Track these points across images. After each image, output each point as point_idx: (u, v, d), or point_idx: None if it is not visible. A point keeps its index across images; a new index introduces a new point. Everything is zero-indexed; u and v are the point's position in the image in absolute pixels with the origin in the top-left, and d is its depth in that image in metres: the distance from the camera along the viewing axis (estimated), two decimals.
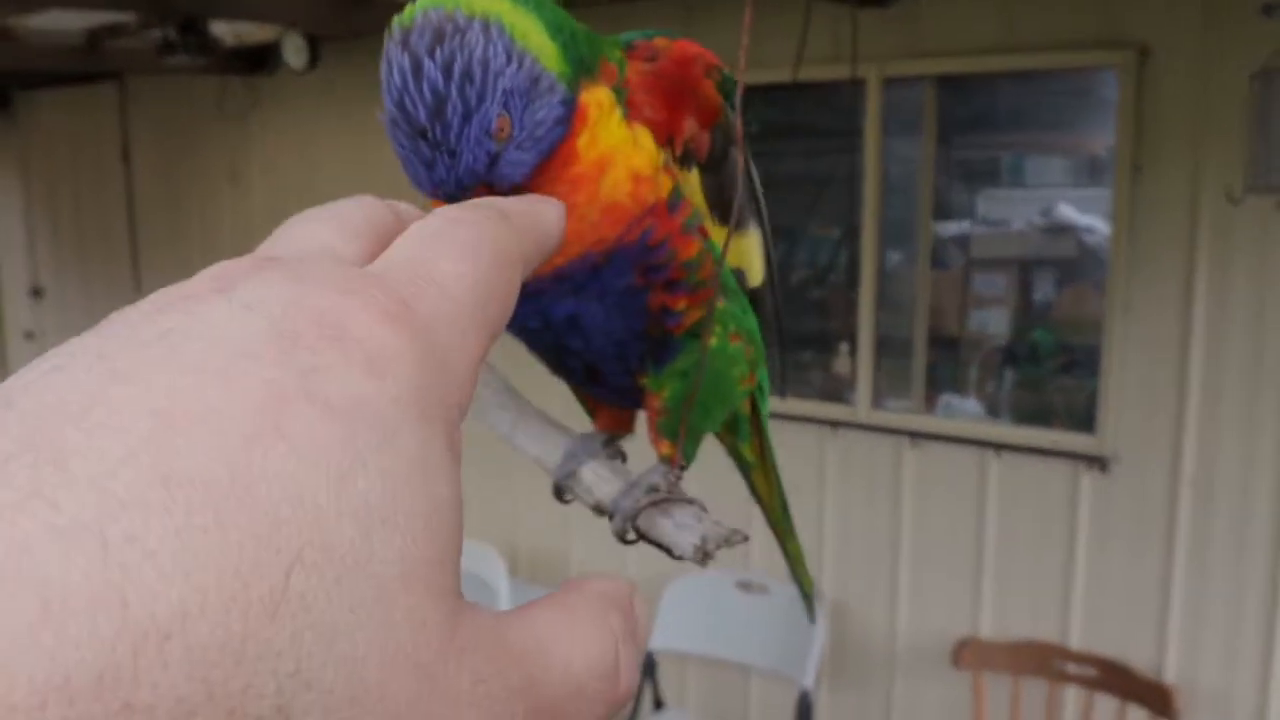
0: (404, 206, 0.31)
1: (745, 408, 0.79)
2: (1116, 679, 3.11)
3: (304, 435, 0.20)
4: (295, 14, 3.77)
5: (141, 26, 4.34)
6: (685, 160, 0.67)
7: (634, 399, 0.73)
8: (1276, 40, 2.07)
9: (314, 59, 4.50)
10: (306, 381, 0.21)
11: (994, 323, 3.82)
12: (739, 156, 0.70)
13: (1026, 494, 3.33)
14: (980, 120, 3.86)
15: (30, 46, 4.55)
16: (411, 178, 0.57)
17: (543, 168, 0.59)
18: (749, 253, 0.74)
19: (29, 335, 6.77)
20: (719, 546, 0.64)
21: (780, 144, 4.10)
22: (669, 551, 0.66)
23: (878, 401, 3.63)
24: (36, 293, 6.69)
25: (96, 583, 0.17)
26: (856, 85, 3.42)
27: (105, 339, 0.22)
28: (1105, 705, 3.15)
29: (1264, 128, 1.96)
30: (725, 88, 0.68)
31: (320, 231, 0.29)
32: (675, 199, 0.64)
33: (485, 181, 0.57)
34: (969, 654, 3.35)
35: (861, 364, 3.62)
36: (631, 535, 0.67)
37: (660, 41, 0.66)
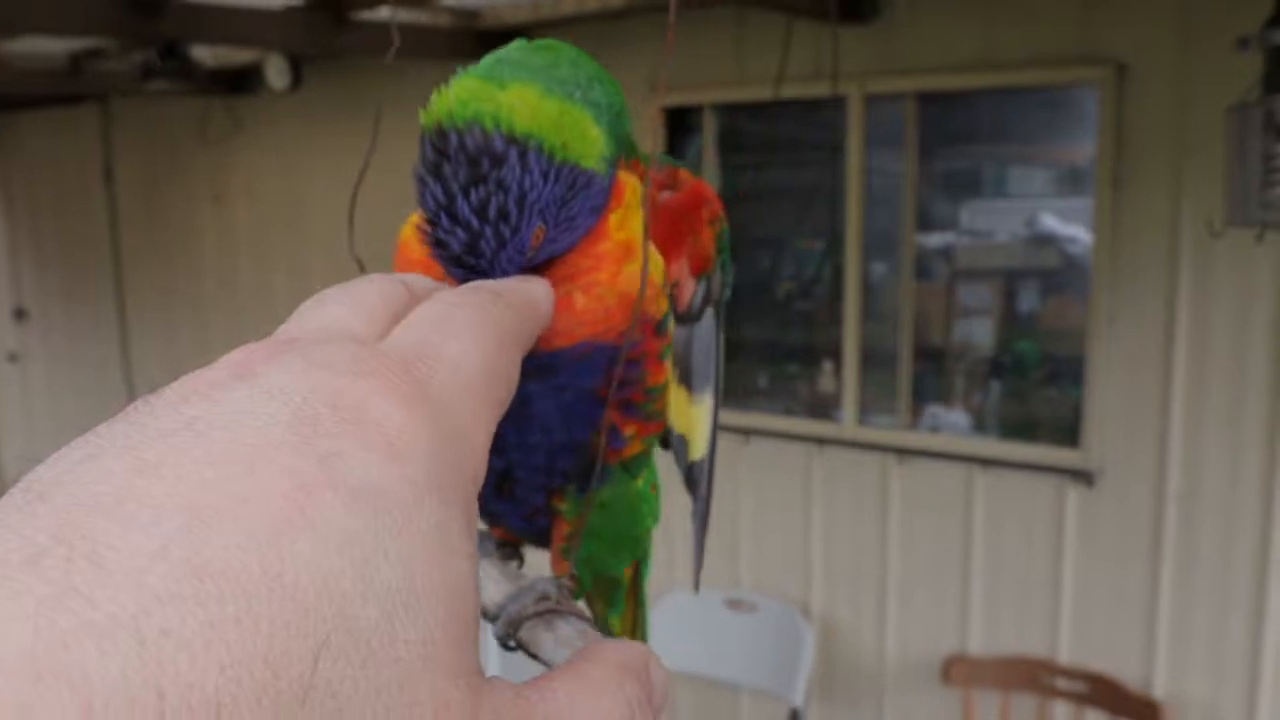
0: (414, 278, 0.31)
1: (626, 575, 0.75)
2: (1105, 693, 3.12)
3: (328, 523, 0.21)
4: (277, 36, 3.77)
5: (123, 50, 4.33)
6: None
7: (536, 525, 0.68)
8: (1253, 73, 2.08)
9: (296, 80, 4.49)
10: (328, 468, 0.22)
11: (979, 333, 3.83)
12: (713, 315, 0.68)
13: (1013, 509, 3.34)
14: (962, 132, 3.88)
15: (12, 69, 4.54)
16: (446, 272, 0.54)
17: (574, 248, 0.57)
18: (697, 422, 0.69)
19: (13, 357, 6.74)
20: None
21: (764, 157, 4.12)
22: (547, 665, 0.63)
23: (864, 418, 3.63)
24: (20, 314, 6.67)
25: (134, 678, 0.18)
26: (838, 102, 3.44)
27: (132, 426, 0.22)
28: None
29: (1241, 161, 1.96)
30: (721, 241, 0.66)
31: (338, 312, 0.29)
32: (665, 323, 0.63)
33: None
34: (958, 670, 3.35)
35: (847, 379, 3.63)
36: (513, 643, 0.65)
37: (684, 173, 0.65)
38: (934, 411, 3.68)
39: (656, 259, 0.61)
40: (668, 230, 0.63)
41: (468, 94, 0.52)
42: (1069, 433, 3.29)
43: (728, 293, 0.68)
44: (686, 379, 0.67)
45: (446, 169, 0.51)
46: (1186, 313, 2.99)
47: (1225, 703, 3.04)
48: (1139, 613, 3.14)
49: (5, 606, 0.18)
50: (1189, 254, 2.96)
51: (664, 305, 0.62)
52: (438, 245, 0.52)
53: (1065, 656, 3.26)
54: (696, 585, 0.78)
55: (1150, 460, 3.09)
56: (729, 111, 3.83)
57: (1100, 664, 3.18)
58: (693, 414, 0.68)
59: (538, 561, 0.71)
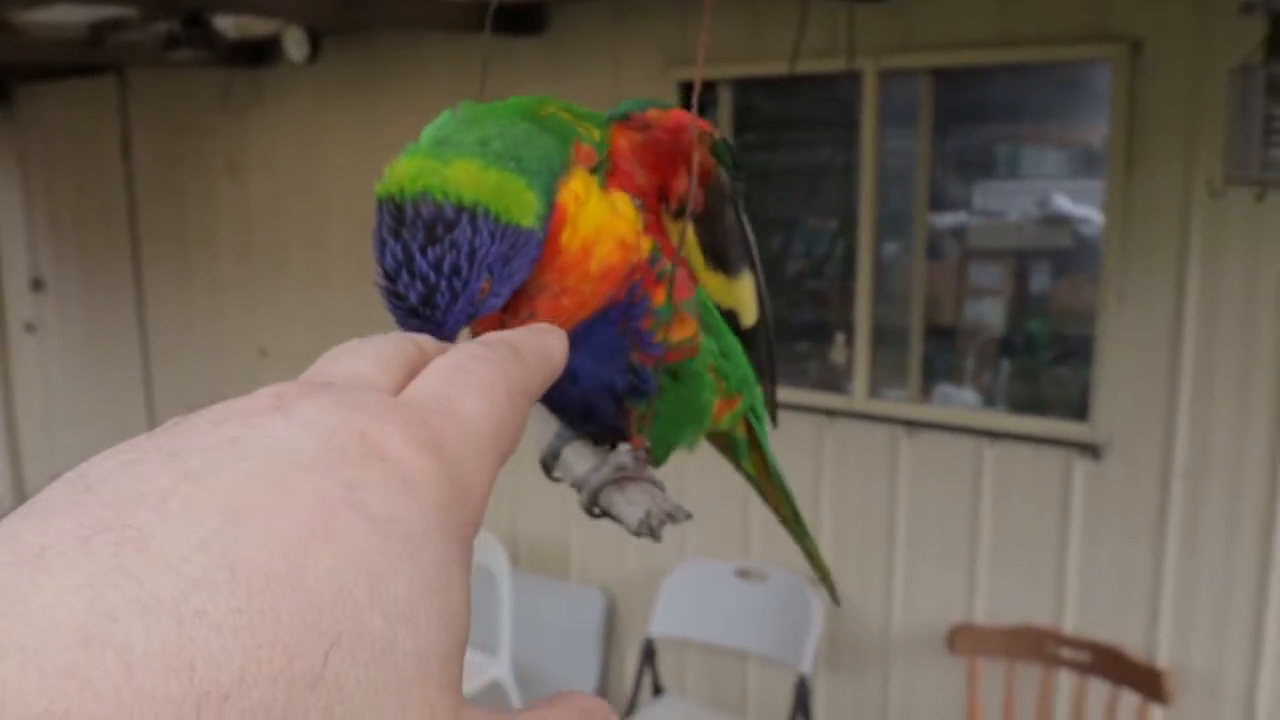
0: (425, 340, 0.34)
1: (741, 431, 0.86)
2: (1109, 663, 3.16)
3: (349, 539, 0.24)
4: (297, 7, 3.80)
5: (144, 20, 4.36)
6: (680, 213, 0.74)
7: (622, 427, 0.80)
8: (1259, 37, 2.11)
9: (314, 52, 4.52)
10: (352, 493, 0.24)
11: (990, 313, 3.85)
12: (730, 211, 0.77)
13: (1021, 481, 3.37)
14: (976, 112, 3.89)
15: (32, 39, 4.57)
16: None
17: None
18: (743, 296, 0.80)
19: (29, 327, 6.79)
20: (662, 523, 0.70)
21: (778, 135, 4.14)
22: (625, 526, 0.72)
23: (874, 391, 3.67)
24: (37, 285, 6.72)
25: (170, 650, 0.20)
26: (853, 78, 3.46)
27: (176, 439, 0.25)
28: (1098, 689, 3.20)
29: (1243, 122, 2.02)
30: (718, 151, 0.74)
31: (360, 363, 0.32)
32: (655, 255, 0.72)
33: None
34: (964, 639, 3.39)
35: (858, 354, 3.66)
36: (597, 510, 0.74)
37: (653, 113, 0.72)
38: (944, 390, 3.71)
39: (624, 213, 0.70)
40: (657, 163, 0.73)
41: (416, 170, 0.61)
42: (1078, 410, 3.32)
43: (741, 187, 0.77)
44: (722, 264, 0.78)
45: (405, 232, 0.60)
46: (1195, 289, 3.02)
47: (1228, 672, 3.08)
48: (1144, 584, 3.18)
49: (61, 578, 0.21)
50: (1199, 231, 2.99)
51: (646, 244, 0.72)
52: (395, 298, 0.61)
53: (1070, 626, 3.31)
54: (774, 421, 0.90)
55: (1157, 434, 3.12)
56: (744, 87, 3.86)
57: (1104, 634, 3.22)
58: (735, 291, 0.80)
59: None
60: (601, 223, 0.68)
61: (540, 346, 0.35)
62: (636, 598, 4.14)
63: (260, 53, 4.85)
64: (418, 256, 0.60)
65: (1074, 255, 3.74)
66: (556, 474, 0.80)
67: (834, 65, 3.32)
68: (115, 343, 6.23)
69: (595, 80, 4.00)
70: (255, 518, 0.23)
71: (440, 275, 0.60)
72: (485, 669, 3.89)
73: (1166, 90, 2.99)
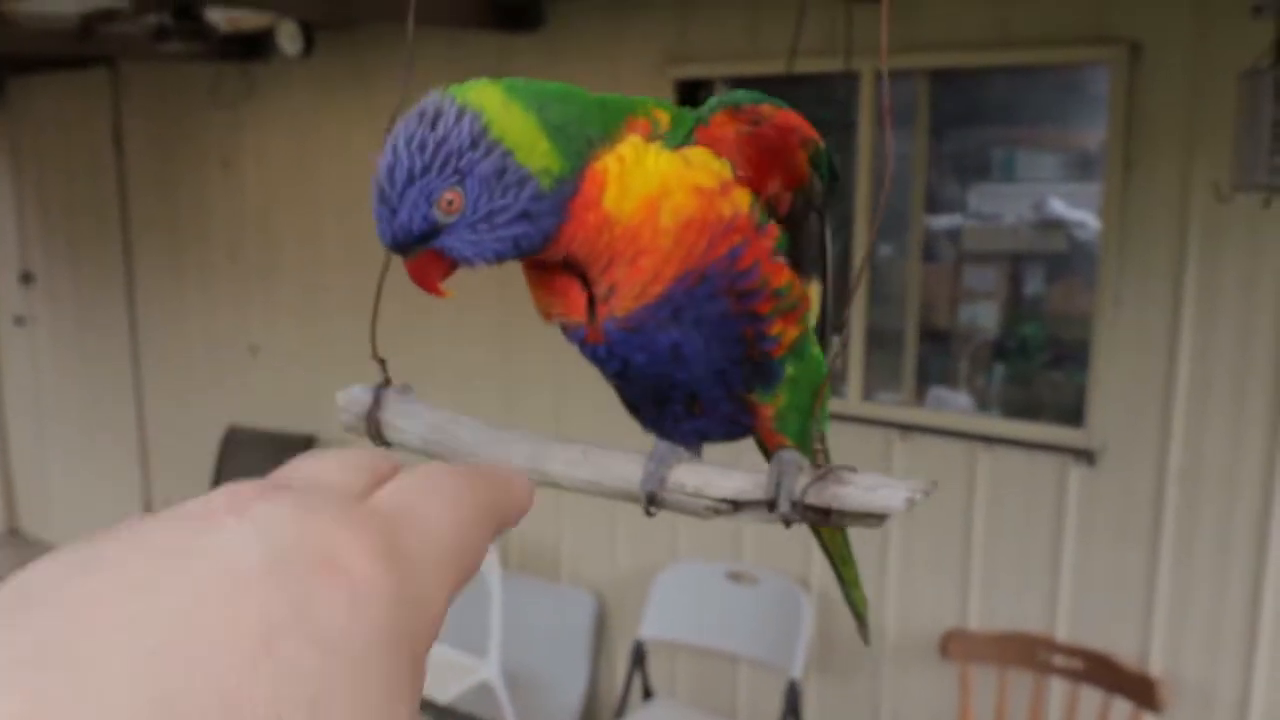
0: (399, 458, 0.34)
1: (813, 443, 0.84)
2: (1102, 671, 3.14)
3: (290, 662, 0.23)
4: (291, 1, 3.77)
5: (136, 12, 4.33)
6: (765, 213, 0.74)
7: (737, 425, 0.77)
8: (1266, 40, 2.09)
9: (308, 46, 4.49)
10: (297, 610, 0.24)
11: (984, 316, 3.83)
12: (817, 221, 0.77)
13: (1015, 487, 3.35)
14: (973, 114, 3.88)
15: (22, 30, 4.53)
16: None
17: (586, 244, 0.65)
18: (809, 299, 0.80)
19: (19, 320, 6.75)
20: (926, 494, 0.65)
21: None
22: (836, 517, 0.66)
23: (868, 394, 3.65)
24: (27, 278, 6.67)
25: None
26: (851, 78, 3.44)
27: (125, 545, 0.25)
28: (1090, 697, 3.18)
29: (1252, 126, 2.00)
30: (816, 159, 0.74)
31: (324, 465, 0.31)
32: (761, 219, 0.70)
33: (435, 249, 0.64)
34: (956, 645, 3.37)
35: (852, 356, 3.64)
36: (795, 517, 0.69)
37: (766, 108, 0.72)
38: (938, 394, 3.69)
39: (701, 162, 0.69)
40: (758, 157, 0.71)
41: (460, 87, 0.63)
42: (1073, 415, 3.30)
43: (831, 199, 0.78)
44: (795, 268, 0.76)
45: (410, 115, 0.62)
46: (1193, 294, 3.00)
47: (1221, 681, 3.06)
48: (1137, 591, 3.16)
49: None
50: (1197, 235, 2.97)
51: (743, 198, 0.69)
52: (374, 179, 0.62)
53: (1063, 633, 3.28)
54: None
55: (1152, 440, 3.10)
56: (741, 86, 3.83)
57: (1098, 641, 3.20)
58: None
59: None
60: (666, 176, 0.67)
61: (506, 479, 0.36)
62: (627, 600, 4.11)
63: (254, 46, 4.82)
64: (400, 133, 0.61)
65: (1068, 259, 3.73)
66: (653, 510, 0.73)
67: (831, 65, 3.30)
68: (105, 337, 6.19)
69: (592, 78, 3.97)
70: (197, 639, 0.23)
71: (407, 149, 0.61)
72: (474, 671, 3.86)
73: (1165, 94, 2.97)
